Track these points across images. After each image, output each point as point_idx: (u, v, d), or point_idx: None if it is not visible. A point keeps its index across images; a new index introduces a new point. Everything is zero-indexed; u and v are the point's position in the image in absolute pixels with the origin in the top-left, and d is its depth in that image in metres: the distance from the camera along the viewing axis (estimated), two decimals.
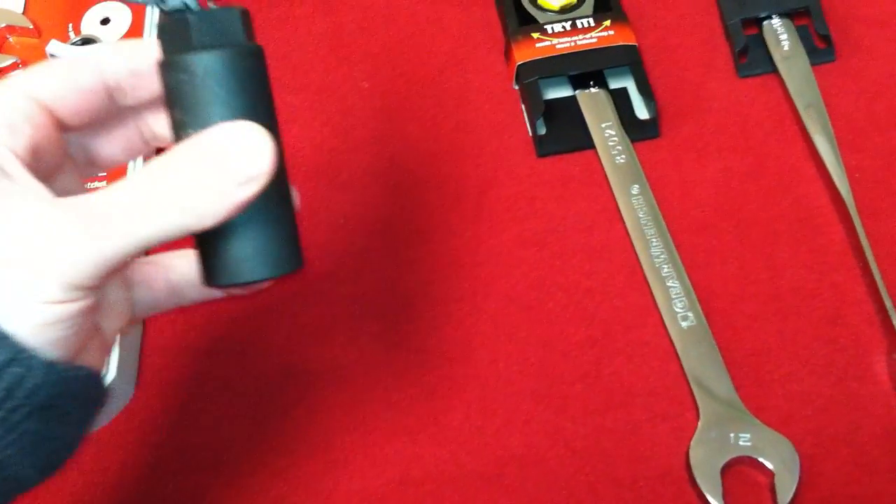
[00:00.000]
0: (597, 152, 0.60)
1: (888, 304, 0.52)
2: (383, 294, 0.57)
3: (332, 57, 0.66)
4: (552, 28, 0.62)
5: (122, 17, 0.64)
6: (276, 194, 0.35)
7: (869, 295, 0.54)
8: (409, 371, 0.54)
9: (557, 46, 0.62)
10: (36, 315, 0.31)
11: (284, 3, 0.68)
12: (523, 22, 0.64)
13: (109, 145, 0.40)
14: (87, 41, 0.63)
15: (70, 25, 0.65)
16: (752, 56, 0.63)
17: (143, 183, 0.33)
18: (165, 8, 0.35)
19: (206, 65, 0.34)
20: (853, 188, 0.56)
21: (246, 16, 0.36)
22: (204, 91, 0.34)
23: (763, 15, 0.63)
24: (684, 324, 0.53)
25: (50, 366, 0.32)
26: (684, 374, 0.52)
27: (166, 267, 0.40)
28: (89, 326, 0.34)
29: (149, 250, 0.34)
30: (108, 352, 0.38)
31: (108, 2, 0.65)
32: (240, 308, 0.57)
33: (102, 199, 0.33)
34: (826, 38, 0.62)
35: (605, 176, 0.59)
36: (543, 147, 0.60)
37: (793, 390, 0.52)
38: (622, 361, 0.53)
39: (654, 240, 0.56)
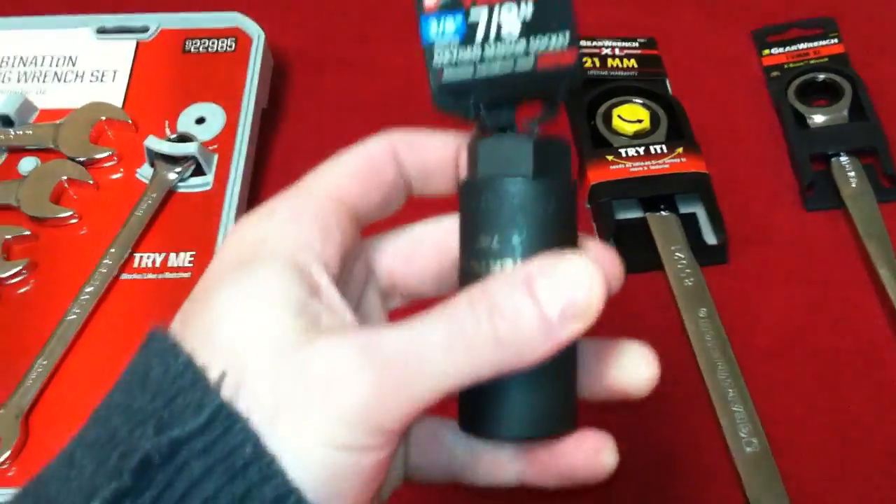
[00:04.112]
0: (665, 274, 0.61)
1: None
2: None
3: None
4: (626, 152, 0.65)
5: (217, 117, 0.68)
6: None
7: None
8: None
9: (631, 170, 0.64)
10: (319, 460, 0.28)
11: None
12: (598, 144, 0.66)
13: (417, 273, 0.36)
14: (182, 138, 0.66)
15: (166, 122, 0.68)
16: (819, 190, 0.64)
17: (454, 314, 0.29)
18: (488, 125, 0.32)
19: (548, 192, 0.31)
20: None
21: (570, 149, 0.33)
22: (533, 219, 0.31)
23: (831, 152, 0.65)
24: (748, 449, 0.54)
25: None
26: (746, 500, 0.53)
27: (445, 426, 0.35)
28: (369, 490, 0.30)
29: None
30: None
31: (203, 103, 0.68)
32: None
33: (410, 334, 0.29)
34: (892, 178, 0.64)
35: (673, 298, 0.60)
36: None
37: None
38: (685, 484, 0.54)
39: (719, 363, 0.57)
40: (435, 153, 0.34)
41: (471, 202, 0.32)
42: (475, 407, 0.32)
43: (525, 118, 0.33)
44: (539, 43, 0.32)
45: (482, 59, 0.32)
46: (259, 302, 0.29)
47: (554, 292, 0.29)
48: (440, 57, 0.32)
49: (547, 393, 0.31)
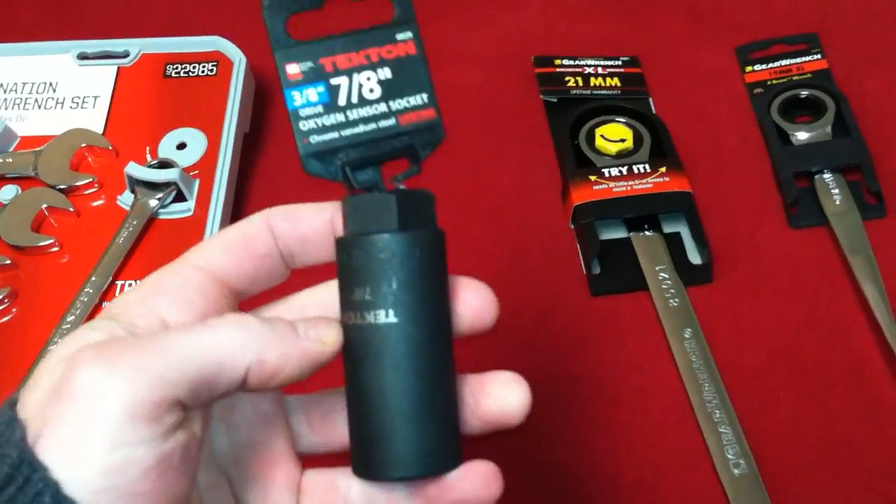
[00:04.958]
0: (650, 294, 0.61)
1: None
2: None
3: None
4: (609, 172, 0.65)
5: (198, 142, 0.67)
6: (438, 387, 0.34)
7: None
8: None
9: (614, 189, 0.64)
10: (95, 457, 0.29)
11: None
12: (581, 164, 0.66)
13: None
14: (163, 164, 0.66)
15: (147, 148, 0.68)
16: (803, 208, 0.64)
17: (213, 318, 0.32)
18: (355, 185, 0.34)
19: (413, 243, 0.33)
20: None
21: (434, 199, 0.35)
22: (401, 270, 0.33)
23: (815, 169, 0.65)
24: (736, 471, 0.53)
25: None
26: None
27: (340, 474, 0.37)
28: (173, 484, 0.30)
29: None
30: None
31: (184, 128, 0.68)
32: None
33: (163, 330, 0.32)
34: (877, 195, 0.64)
35: (658, 318, 0.60)
36: (597, 286, 0.62)
37: None
38: None
39: (706, 384, 0.56)
40: (309, 221, 0.36)
41: (344, 258, 0.34)
42: (365, 451, 0.34)
43: (390, 176, 0.35)
44: (399, 104, 0.35)
45: (346, 123, 0.34)
46: (62, 353, 0.31)
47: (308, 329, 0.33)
48: (306, 124, 0.34)
49: (430, 433, 0.33)
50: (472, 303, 0.36)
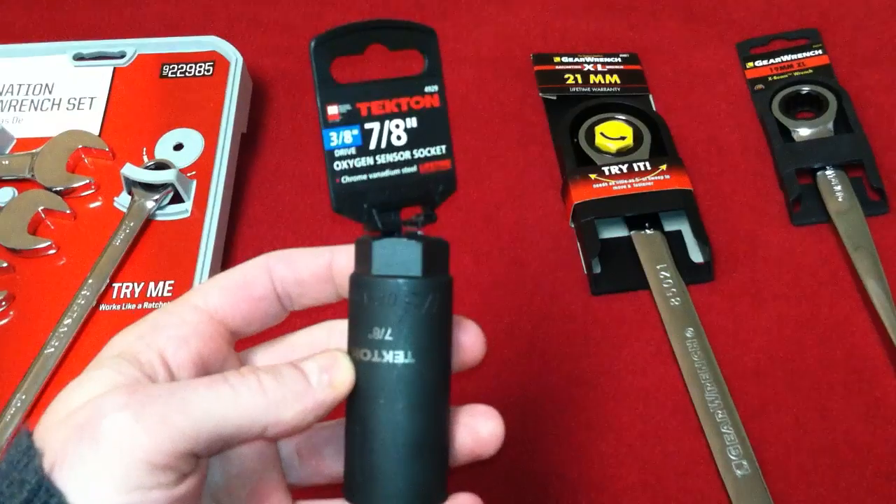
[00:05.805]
0: (651, 293, 0.60)
1: None
2: None
3: None
4: (609, 170, 0.64)
5: (195, 143, 0.67)
6: (441, 425, 0.36)
7: None
8: None
9: (614, 188, 0.63)
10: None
11: None
12: (581, 162, 0.66)
13: None
14: (160, 165, 0.65)
15: (144, 149, 0.67)
16: (805, 205, 0.64)
17: (233, 376, 0.34)
18: (380, 227, 0.36)
19: (434, 289, 0.35)
20: None
21: (449, 246, 0.37)
22: (421, 313, 0.35)
23: (817, 166, 0.64)
24: (739, 472, 0.53)
25: None
26: None
27: None
28: None
29: None
30: None
31: (181, 129, 0.68)
32: None
33: (186, 383, 0.33)
34: (880, 191, 0.63)
35: (660, 317, 0.60)
36: (598, 286, 0.61)
37: None
38: None
39: (708, 385, 0.56)
40: (307, 266, 0.38)
41: (364, 297, 0.35)
42: (364, 481, 0.35)
43: (404, 220, 0.37)
44: (421, 152, 0.37)
45: (374, 166, 0.36)
46: (82, 391, 0.33)
47: (315, 374, 0.35)
48: (339, 164, 0.36)
49: (429, 468, 0.35)
50: (465, 343, 0.38)
